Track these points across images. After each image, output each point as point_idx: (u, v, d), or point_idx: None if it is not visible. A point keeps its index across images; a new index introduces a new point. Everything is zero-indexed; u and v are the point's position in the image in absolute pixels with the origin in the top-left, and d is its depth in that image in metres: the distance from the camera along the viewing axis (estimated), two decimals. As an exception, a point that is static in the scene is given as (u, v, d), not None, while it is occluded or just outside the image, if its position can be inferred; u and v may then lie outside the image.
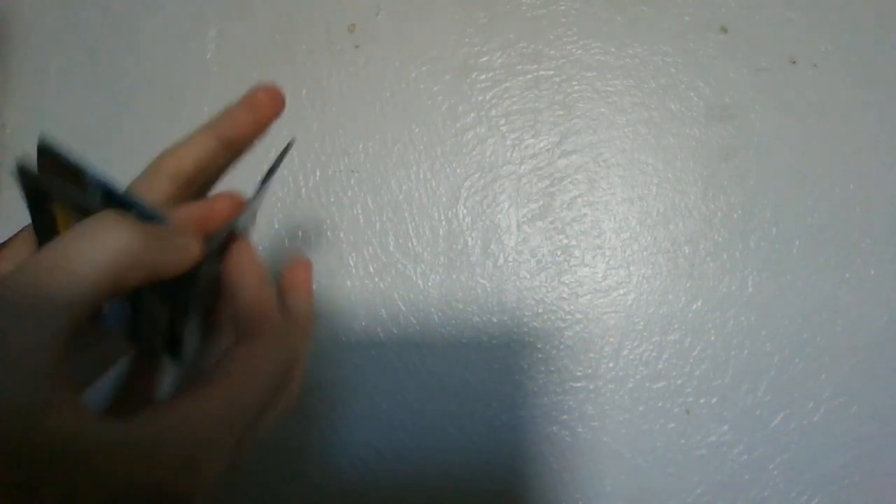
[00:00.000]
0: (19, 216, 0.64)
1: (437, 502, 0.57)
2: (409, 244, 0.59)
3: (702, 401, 0.56)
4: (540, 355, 0.57)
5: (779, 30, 0.59)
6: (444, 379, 0.58)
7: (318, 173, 0.61)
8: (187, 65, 0.63)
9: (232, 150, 0.36)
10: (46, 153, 0.31)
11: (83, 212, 0.29)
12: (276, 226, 0.60)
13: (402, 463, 0.58)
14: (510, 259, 0.58)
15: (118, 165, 0.63)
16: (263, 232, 0.60)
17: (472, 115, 0.60)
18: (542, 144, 0.59)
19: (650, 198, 0.58)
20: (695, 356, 0.56)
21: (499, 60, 0.61)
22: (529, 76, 0.60)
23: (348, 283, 0.59)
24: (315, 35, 0.62)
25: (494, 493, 0.57)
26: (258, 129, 0.36)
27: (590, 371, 0.57)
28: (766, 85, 0.58)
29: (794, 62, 0.58)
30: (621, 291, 0.57)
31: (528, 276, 0.58)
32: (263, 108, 0.36)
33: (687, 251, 0.57)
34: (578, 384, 0.57)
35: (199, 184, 0.36)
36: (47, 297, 0.24)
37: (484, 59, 0.61)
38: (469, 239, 0.59)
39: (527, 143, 0.60)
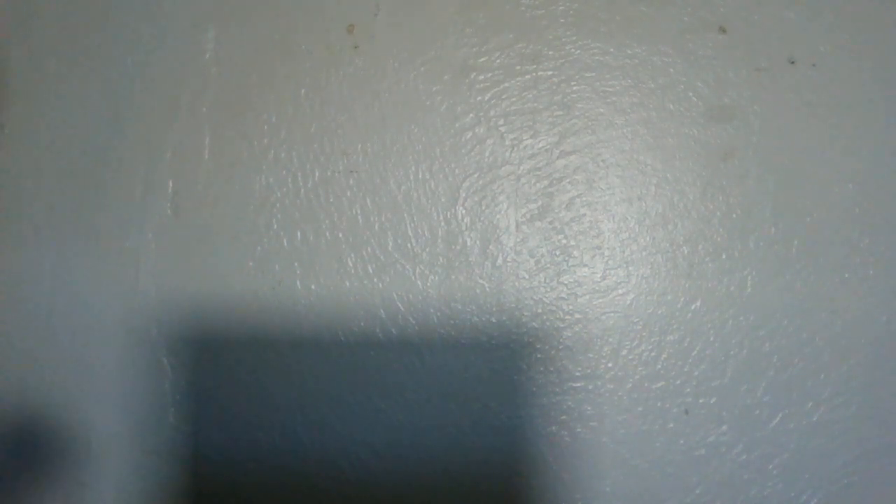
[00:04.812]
0: (18, 215, 0.64)
1: (436, 502, 0.57)
2: (408, 245, 0.59)
3: (701, 401, 0.56)
4: (539, 356, 0.57)
5: (778, 30, 0.59)
6: (444, 379, 0.58)
7: (316, 174, 0.61)
8: (186, 65, 0.63)
9: None
10: None
11: None
12: (275, 226, 0.60)
13: (402, 463, 0.58)
14: (509, 259, 0.58)
15: (118, 165, 0.64)
16: (262, 233, 0.60)
17: (470, 115, 0.60)
18: (540, 145, 0.59)
19: (649, 198, 0.58)
20: (694, 356, 0.56)
21: (497, 61, 0.61)
22: (528, 77, 0.60)
23: (347, 283, 0.59)
24: (314, 35, 0.62)
25: (494, 493, 0.57)
26: None
27: (589, 371, 0.57)
28: (765, 85, 0.58)
29: (792, 62, 0.58)
30: (620, 292, 0.57)
31: (527, 277, 0.58)
32: None
33: (686, 251, 0.57)
34: (577, 384, 0.57)
35: None
36: None
37: (483, 59, 0.61)
38: (468, 239, 0.59)
39: (525, 143, 0.60)
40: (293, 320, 0.60)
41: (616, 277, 0.58)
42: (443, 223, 0.59)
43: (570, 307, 0.57)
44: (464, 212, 0.59)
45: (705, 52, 0.59)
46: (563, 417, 0.57)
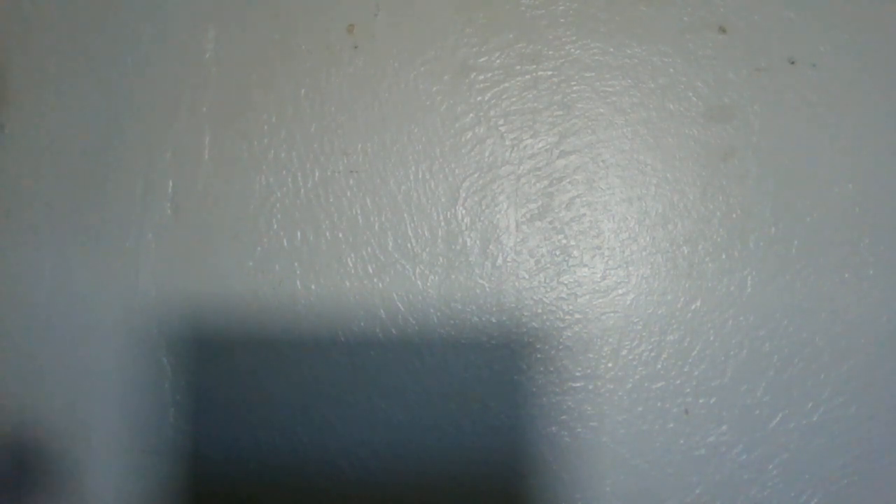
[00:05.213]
0: (18, 215, 0.64)
1: (436, 502, 0.57)
2: (408, 244, 0.59)
3: (701, 401, 0.56)
4: (539, 356, 0.57)
5: (778, 30, 0.59)
6: (444, 379, 0.58)
7: (316, 174, 0.61)
8: (186, 65, 0.63)
9: None
10: None
11: None
12: (275, 226, 0.60)
13: (401, 463, 0.58)
14: (509, 259, 0.58)
15: (118, 165, 0.64)
16: (262, 233, 0.60)
17: (470, 115, 0.60)
18: (540, 145, 0.59)
19: (649, 198, 0.58)
20: (694, 356, 0.56)
21: (497, 61, 0.61)
22: (528, 76, 0.60)
23: (347, 283, 0.59)
24: (314, 35, 0.62)
25: (494, 493, 0.57)
26: None
27: (589, 371, 0.57)
28: (765, 85, 0.58)
29: (792, 62, 0.58)
30: (620, 292, 0.57)
31: (527, 277, 0.58)
32: None
33: (686, 251, 0.57)
34: (577, 384, 0.57)
35: None
36: None
37: (483, 59, 0.61)
38: (468, 239, 0.59)
39: (525, 143, 0.60)
40: (293, 320, 0.60)
41: (616, 277, 0.58)
42: (443, 223, 0.59)
43: (570, 307, 0.57)
44: (464, 212, 0.59)
45: (705, 52, 0.59)
46: (563, 417, 0.57)
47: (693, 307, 0.57)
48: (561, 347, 0.57)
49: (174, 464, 0.60)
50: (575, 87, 0.60)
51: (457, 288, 0.58)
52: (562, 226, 0.58)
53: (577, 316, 0.57)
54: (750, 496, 0.55)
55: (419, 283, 0.59)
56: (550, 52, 0.60)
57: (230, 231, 0.61)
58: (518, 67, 0.60)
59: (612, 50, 0.60)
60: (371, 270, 0.59)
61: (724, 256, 0.57)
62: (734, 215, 0.57)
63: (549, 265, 0.58)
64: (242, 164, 0.61)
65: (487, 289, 0.58)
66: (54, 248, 0.63)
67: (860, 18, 0.59)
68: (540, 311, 0.58)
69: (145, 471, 0.60)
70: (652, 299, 0.57)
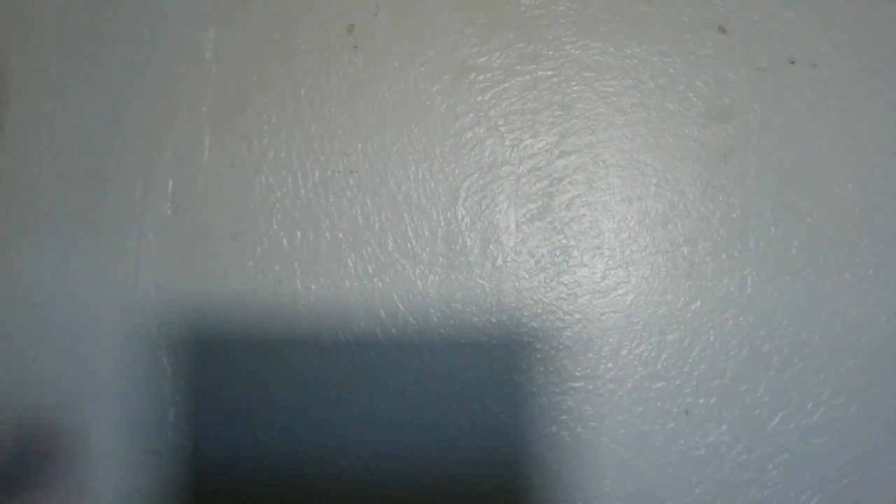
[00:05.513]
0: (19, 215, 0.64)
1: (436, 502, 0.57)
2: (408, 244, 0.59)
3: (701, 401, 0.56)
4: (539, 356, 0.57)
5: (778, 30, 0.59)
6: (443, 379, 0.58)
7: (316, 174, 0.61)
8: (186, 65, 0.63)
9: None
10: None
11: None
12: (275, 226, 0.60)
13: (401, 463, 0.58)
14: (509, 259, 0.58)
15: (118, 165, 0.64)
16: (262, 233, 0.60)
17: (470, 115, 0.60)
18: (540, 145, 0.59)
19: (649, 198, 0.58)
20: (694, 356, 0.56)
21: (497, 61, 0.61)
22: (528, 76, 0.60)
23: (347, 283, 0.59)
24: (314, 35, 0.62)
25: (493, 493, 0.57)
26: None
27: (589, 371, 0.57)
28: (765, 85, 0.58)
29: (792, 62, 0.58)
30: (620, 292, 0.57)
31: (527, 277, 0.58)
32: None
33: (686, 251, 0.57)
34: (577, 384, 0.57)
35: None
36: None
37: (483, 59, 0.61)
38: (468, 239, 0.59)
39: (525, 143, 0.60)
40: (293, 320, 0.60)
41: (616, 277, 0.58)
42: (443, 223, 0.59)
43: (570, 307, 0.57)
44: (464, 212, 0.59)
45: (705, 52, 0.59)
46: (563, 417, 0.57)
47: (693, 307, 0.57)
48: (561, 347, 0.57)
49: (174, 464, 0.60)
50: (575, 87, 0.60)
51: (457, 288, 0.58)
52: (562, 226, 0.58)
53: (577, 316, 0.57)
54: (750, 496, 0.55)
55: (419, 283, 0.59)
56: (550, 52, 0.60)
57: (230, 231, 0.61)
58: (518, 67, 0.60)
59: (612, 50, 0.60)
60: (371, 270, 0.59)
61: (724, 256, 0.57)
62: (734, 215, 0.57)
63: (549, 265, 0.58)
64: (242, 164, 0.61)
65: (487, 289, 0.58)
66: (54, 248, 0.63)
67: (860, 18, 0.59)
68: (540, 311, 0.58)
69: (145, 471, 0.60)
70: (652, 299, 0.57)
